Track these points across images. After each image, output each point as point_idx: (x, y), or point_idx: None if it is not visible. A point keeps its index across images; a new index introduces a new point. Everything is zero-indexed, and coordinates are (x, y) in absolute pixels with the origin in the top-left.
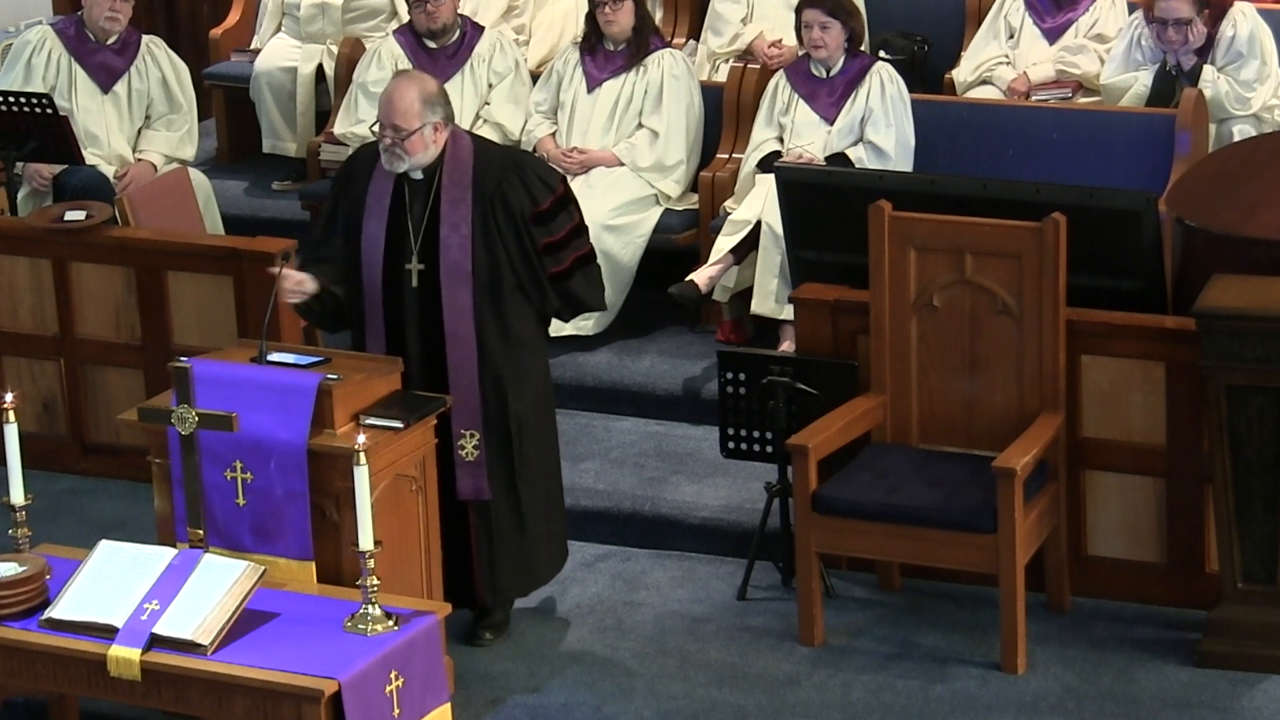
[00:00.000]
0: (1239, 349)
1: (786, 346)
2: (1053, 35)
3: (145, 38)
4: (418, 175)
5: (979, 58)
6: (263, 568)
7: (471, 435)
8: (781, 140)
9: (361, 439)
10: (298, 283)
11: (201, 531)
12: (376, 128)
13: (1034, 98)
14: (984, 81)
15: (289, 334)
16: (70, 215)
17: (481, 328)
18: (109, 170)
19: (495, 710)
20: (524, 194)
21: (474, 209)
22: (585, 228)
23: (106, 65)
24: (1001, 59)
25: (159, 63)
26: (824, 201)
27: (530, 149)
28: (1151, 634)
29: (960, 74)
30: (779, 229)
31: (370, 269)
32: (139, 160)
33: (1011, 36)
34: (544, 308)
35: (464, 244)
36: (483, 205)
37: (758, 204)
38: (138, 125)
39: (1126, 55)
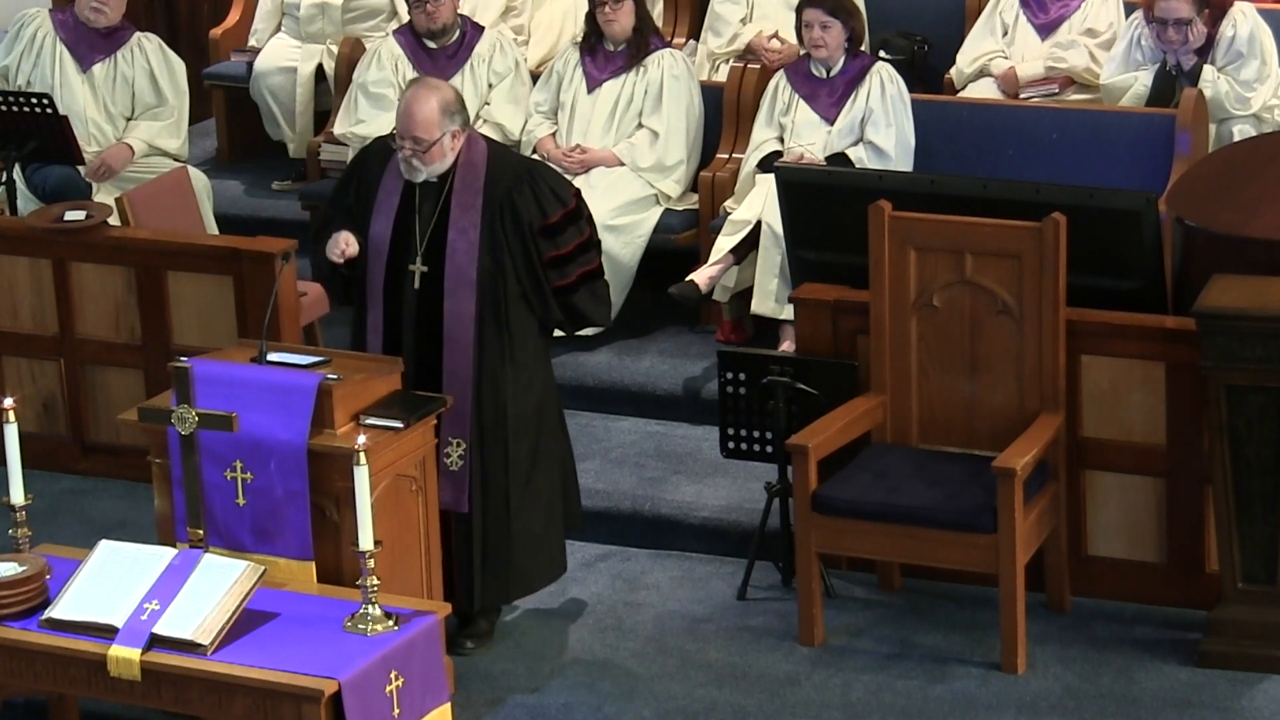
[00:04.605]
0: (1239, 349)
1: (786, 346)
2: (1045, 31)
3: (140, 34)
4: (430, 178)
5: (974, 53)
6: (263, 568)
7: (458, 444)
8: (782, 140)
9: (361, 439)
10: (347, 242)
11: (201, 531)
12: (396, 138)
13: (1023, 95)
14: (982, 73)
15: (289, 334)
16: (70, 215)
17: (481, 335)
18: (89, 143)
19: (495, 710)
20: (534, 205)
21: (483, 215)
22: (596, 243)
23: (90, 45)
24: (998, 54)
25: (147, 56)
26: (824, 201)
27: (530, 149)
28: (1151, 634)
29: (955, 70)
30: (779, 229)
31: (375, 266)
32: (117, 143)
33: (1006, 33)
34: (546, 319)
35: (470, 249)
36: (491, 212)
37: (758, 204)
38: (120, 112)
39: (1126, 55)
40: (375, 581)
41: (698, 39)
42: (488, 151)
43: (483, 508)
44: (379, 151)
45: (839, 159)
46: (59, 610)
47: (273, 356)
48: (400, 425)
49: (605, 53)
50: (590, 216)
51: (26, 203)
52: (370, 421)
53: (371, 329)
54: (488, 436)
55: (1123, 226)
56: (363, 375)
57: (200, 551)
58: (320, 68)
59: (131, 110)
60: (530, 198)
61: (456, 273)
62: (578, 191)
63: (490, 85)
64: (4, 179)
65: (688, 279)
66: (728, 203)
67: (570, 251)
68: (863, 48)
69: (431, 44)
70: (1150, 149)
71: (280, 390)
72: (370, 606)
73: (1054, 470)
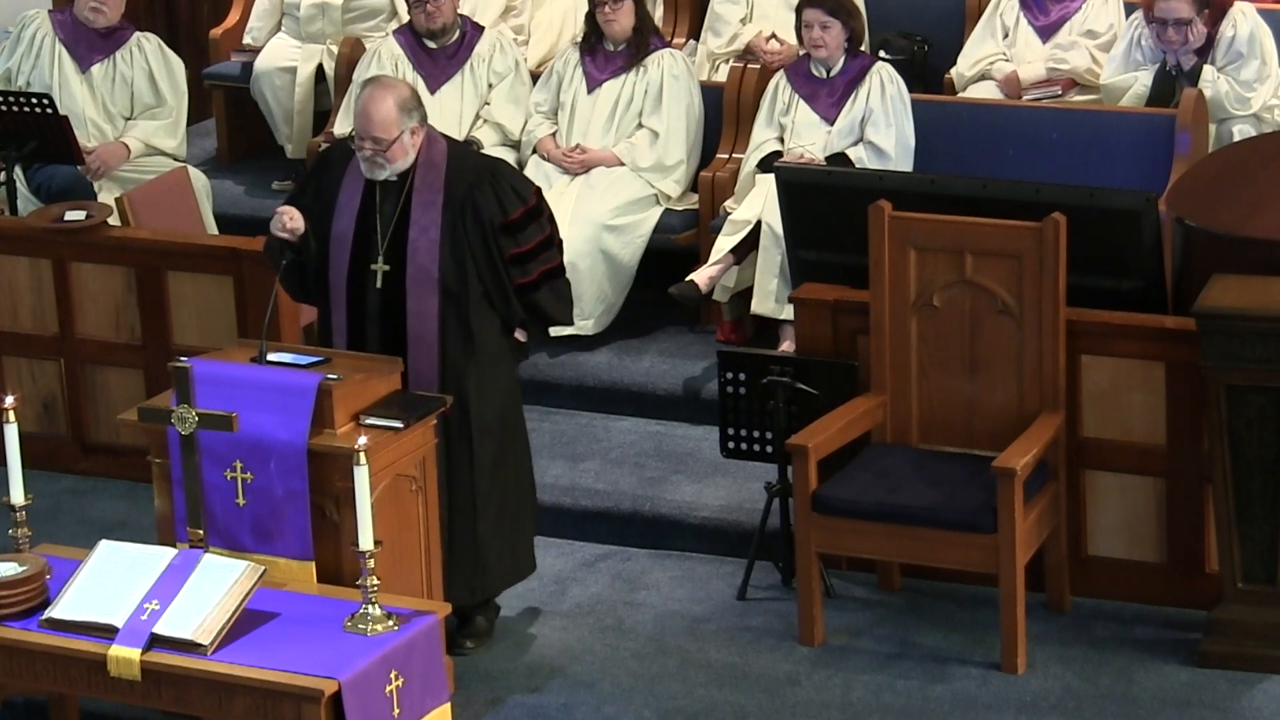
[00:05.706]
0: (1239, 349)
1: (786, 346)
2: (1046, 33)
3: (139, 34)
4: (391, 177)
5: (975, 56)
6: (263, 568)
7: None
8: (782, 140)
9: (361, 439)
10: (290, 216)
11: (201, 531)
12: (355, 139)
13: (1026, 97)
14: (983, 76)
15: (289, 334)
16: (70, 215)
17: (445, 334)
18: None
19: (495, 710)
20: (494, 202)
21: (443, 213)
22: (557, 242)
23: (90, 46)
24: (999, 57)
25: (147, 56)
26: (824, 201)
27: (530, 149)
28: (1151, 634)
29: (955, 73)
30: (779, 229)
31: (337, 267)
32: (114, 140)
33: (1006, 36)
34: (509, 318)
35: (431, 248)
36: (452, 210)
37: (758, 204)
38: (120, 112)
39: (1126, 55)
40: (375, 581)
41: (698, 39)
42: (448, 150)
43: (449, 509)
44: (341, 152)
45: (839, 159)
46: (59, 610)
47: (273, 356)
48: (400, 425)
49: (605, 53)
50: (551, 215)
51: (26, 203)
52: (370, 421)
53: (336, 330)
54: (453, 437)
55: (1123, 226)
56: (363, 375)
57: (200, 551)
58: (320, 68)
59: (131, 110)
60: (491, 195)
61: (418, 271)
62: (539, 189)
63: (490, 85)
64: (4, 179)
65: (688, 279)
66: (728, 203)
67: (531, 249)
68: (863, 48)
69: (431, 44)
70: (1150, 149)
71: (280, 390)
72: (370, 606)
73: (1054, 470)
